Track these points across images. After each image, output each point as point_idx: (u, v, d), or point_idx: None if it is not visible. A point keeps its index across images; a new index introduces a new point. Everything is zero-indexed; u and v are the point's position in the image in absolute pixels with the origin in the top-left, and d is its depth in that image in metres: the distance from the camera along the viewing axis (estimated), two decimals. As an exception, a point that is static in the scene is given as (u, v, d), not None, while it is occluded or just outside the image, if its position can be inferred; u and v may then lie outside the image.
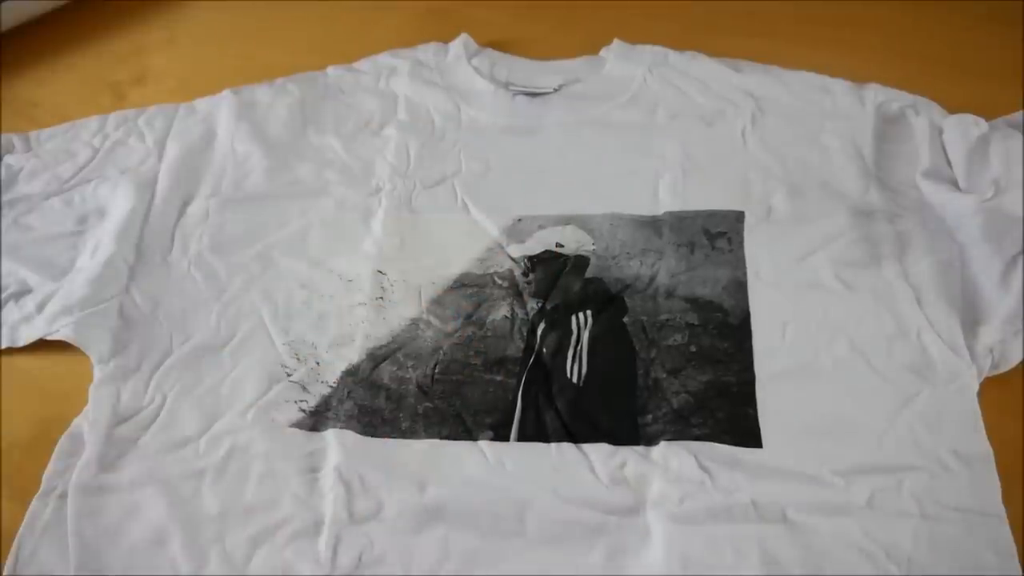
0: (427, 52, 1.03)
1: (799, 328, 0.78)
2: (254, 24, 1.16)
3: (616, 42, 1.01)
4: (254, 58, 1.11)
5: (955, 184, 0.84)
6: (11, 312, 0.86)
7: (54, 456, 0.76)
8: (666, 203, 0.87)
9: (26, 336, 0.84)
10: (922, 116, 0.90)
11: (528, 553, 0.69)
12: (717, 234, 0.84)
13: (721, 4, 1.09)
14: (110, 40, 1.16)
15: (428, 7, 1.14)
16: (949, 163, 0.87)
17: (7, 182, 0.95)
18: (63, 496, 0.74)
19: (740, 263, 0.82)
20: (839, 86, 0.94)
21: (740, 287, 0.81)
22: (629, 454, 0.72)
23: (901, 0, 1.06)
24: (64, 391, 0.82)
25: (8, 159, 0.98)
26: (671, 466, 0.71)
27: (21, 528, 0.72)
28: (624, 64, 0.99)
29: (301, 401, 0.78)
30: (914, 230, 0.83)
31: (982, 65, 0.98)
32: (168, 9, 1.19)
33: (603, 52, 1.01)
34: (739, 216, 0.85)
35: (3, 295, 0.87)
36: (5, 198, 0.94)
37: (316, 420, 0.77)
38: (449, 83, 1.00)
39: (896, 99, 0.92)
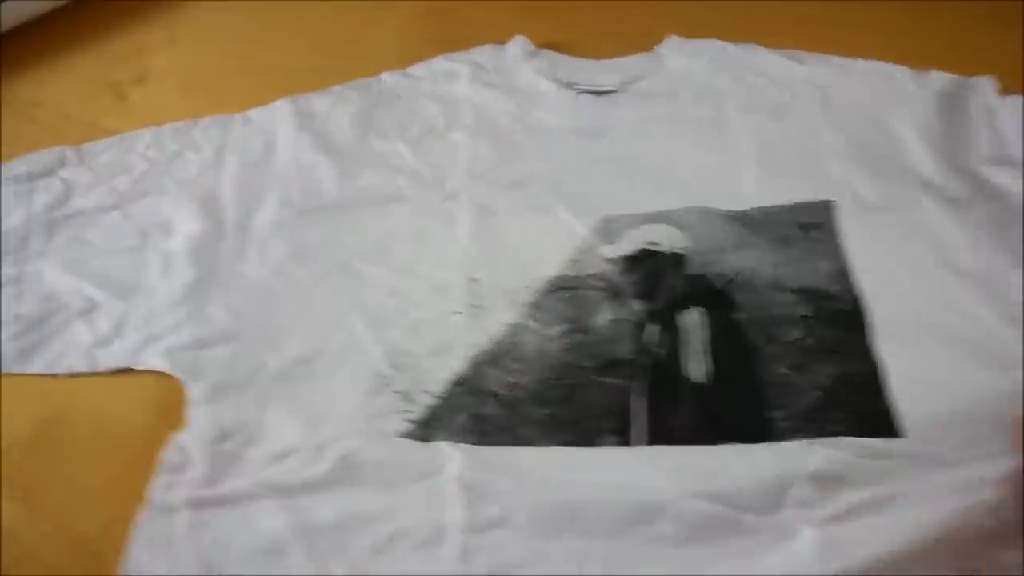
0: (483, 55, 1.02)
1: (910, 314, 0.78)
2: (254, 24, 1.16)
3: (672, 37, 1.00)
4: (254, 58, 1.11)
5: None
6: (80, 332, 0.84)
7: (160, 470, 0.75)
8: (751, 197, 0.87)
9: (105, 363, 0.82)
10: (982, 98, 0.91)
11: (667, 555, 0.68)
12: (810, 225, 0.84)
13: (721, 4, 1.09)
14: (110, 40, 1.16)
15: (428, 7, 1.14)
16: (1011, 144, 0.87)
17: (63, 196, 0.94)
18: (171, 510, 0.72)
19: (839, 252, 0.82)
20: (902, 72, 0.95)
21: (843, 276, 0.80)
22: (766, 453, 0.71)
23: (901, 0, 1.06)
24: (64, 391, 0.81)
25: (63, 172, 0.96)
26: (809, 463, 0.70)
27: (131, 541, 0.71)
28: (684, 59, 0.99)
29: (406, 412, 0.76)
30: (991, 214, 0.84)
31: (982, 65, 0.97)
32: (169, 9, 1.19)
33: (659, 48, 1.01)
34: (828, 205, 0.85)
35: (69, 313, 0.85)
36: (62, 213, 0.92)
37: (425, 430, 0.75)
38: (511, 85, 0.99)
39: (958, 84, 0.93)
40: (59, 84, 1.11)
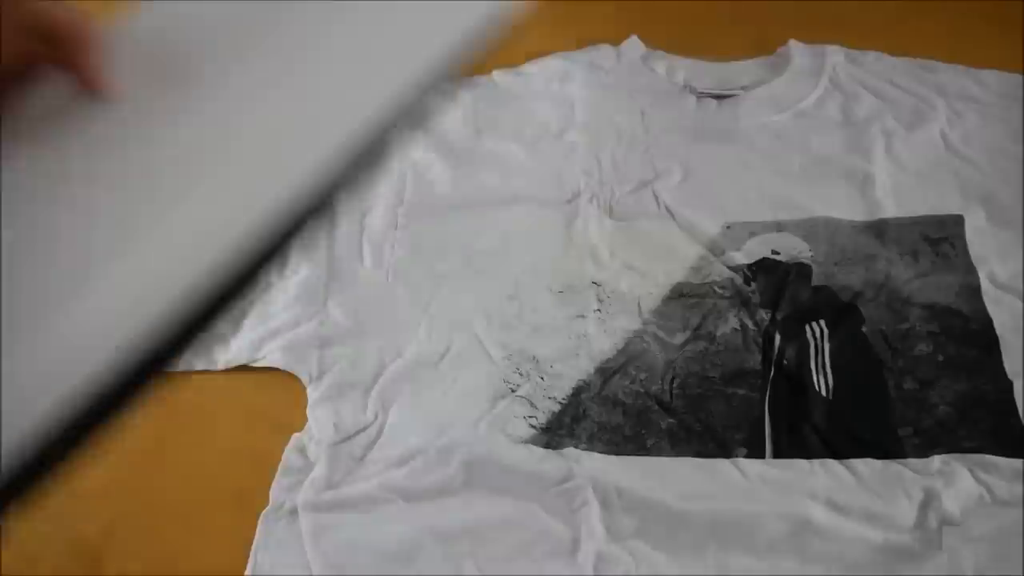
0: (598, 54, 1.01)
1: None
2: None
3: (792, 42, 0.99)
4: None
5: None
6: (197, 329, 0.82)
7: (280, 471, 0.74)
8: (879, 208, 0.85)
9: (225, 360, 0.82)
10: None
11: (820, 571, 0.66)
12: (939, 239, 0.82)
13: (721, 4, 1.08)
14: None
15: None
16: None
17: (170, 191, 0.91)
18: (293, 512, 0.71)
19: (969, 268, 0.80)
20: None
21: (974, 292, 0.79)
22: (901, 469, 0.70)
23: (901, 0, 1.05)
24: None
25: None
26: (949, 480, 0.69)
27: (255, 544, 0.70)
28: (807, 64, 0.97)
29: (530, 417, 0.75)
30: None
31: (982, 65, 0.96)
32: None
33: (779, 52, 0.99)
34: (958, 220, 0.83)
35: (184, 311, 0.83)
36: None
37: (550, 437, 0.74)
38: (628, 86, 0.97)
39: None
40: (59, 84, 1.10)
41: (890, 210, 0.84)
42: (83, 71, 0.47)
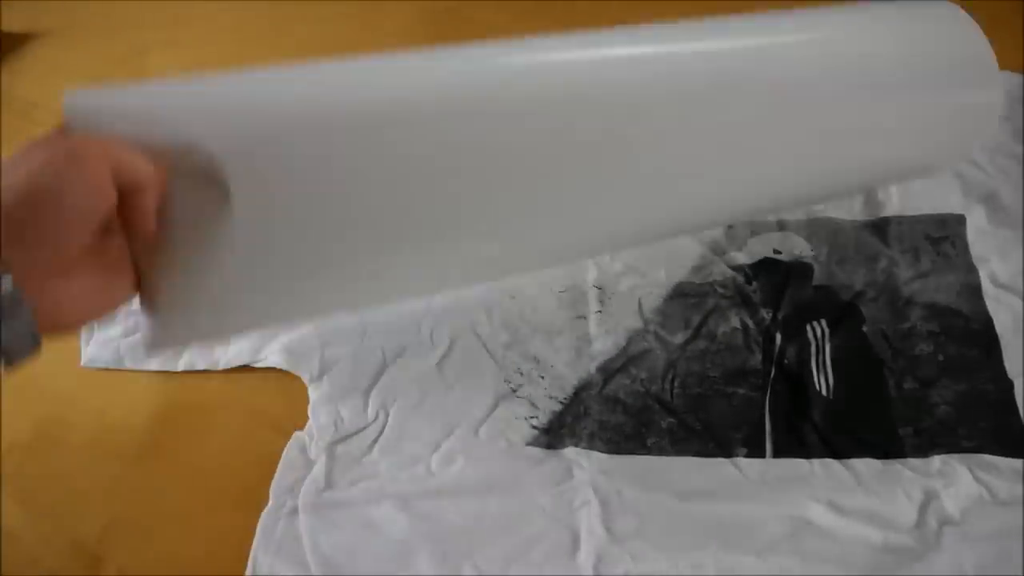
0: None
1: None
2: (254, 24, 1.16)
3: None
4: (254, 58, 1.09)
5: None
6: (197, 330, 0.82)
7: (280, 471, 0.74)
8: (880, 207, 0.85)
9: (226, 360, 0.82)
10: None
11: (820, 571, 0.66)
12: (940, 239, 0.82)
13: (722, 4, 1.07)
14: (110, 41, 1.16)
15: (428, 7, 1.13)
16: None
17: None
18: (293, 512, 0.71)
19: (970, 267, 0.80)
20: None
21: (975, 292, 0.79)
22: (901, 469, 0.70)
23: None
24: (64, 391, 0.81)
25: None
26: (949, 480, 0.69)
27: (255, 544, 0.70)
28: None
29: (532, 418, 0.75)
30: None
31: None
32: (168, 10, 1.19)
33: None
34: (960, 219, 0.83)
35: (185, 311, 0.83)
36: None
37: (551, 438, 0.74)
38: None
39: None
40: (59, 84, 1.09)
41: (891, 209, 0.84)
42: (138, 218, 0.48)
